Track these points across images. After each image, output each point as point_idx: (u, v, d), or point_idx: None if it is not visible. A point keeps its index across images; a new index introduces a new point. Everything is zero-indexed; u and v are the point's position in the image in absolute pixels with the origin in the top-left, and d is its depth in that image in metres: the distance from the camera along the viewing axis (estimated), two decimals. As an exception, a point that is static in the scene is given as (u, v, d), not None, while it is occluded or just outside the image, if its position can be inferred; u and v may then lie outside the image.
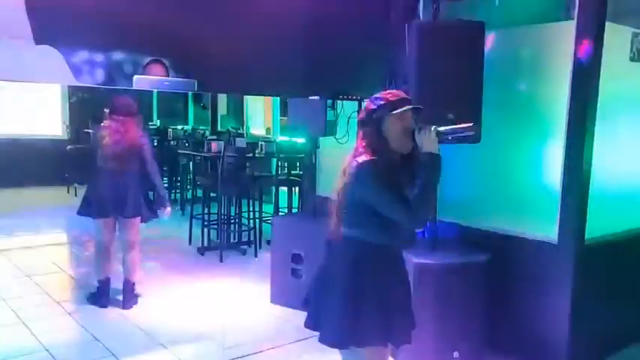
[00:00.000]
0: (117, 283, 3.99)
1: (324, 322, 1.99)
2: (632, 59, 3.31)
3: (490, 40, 3.04)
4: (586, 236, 3.02)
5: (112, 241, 3.92)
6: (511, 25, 3.35)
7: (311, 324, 2.06)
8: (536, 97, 3.20)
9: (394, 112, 1.90)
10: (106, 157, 3.73)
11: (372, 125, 1.93)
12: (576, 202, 2.96)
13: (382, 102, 1.93)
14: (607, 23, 2.91)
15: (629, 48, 3.28)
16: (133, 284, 3.97)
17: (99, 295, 3.89)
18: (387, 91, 1.98)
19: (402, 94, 1.96)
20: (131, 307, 3.89)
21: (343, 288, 1.93)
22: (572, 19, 2.94)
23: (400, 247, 2.04)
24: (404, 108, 1.91)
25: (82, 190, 8.01)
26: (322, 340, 1.98)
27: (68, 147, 8.12)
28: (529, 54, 3.24)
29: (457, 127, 1.95)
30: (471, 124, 1.94)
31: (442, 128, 1.90)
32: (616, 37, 3.11)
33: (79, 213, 3.87)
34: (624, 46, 3.26)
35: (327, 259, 2.06)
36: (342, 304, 1.93)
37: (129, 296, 3.91)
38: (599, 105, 2.95)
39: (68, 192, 8.18)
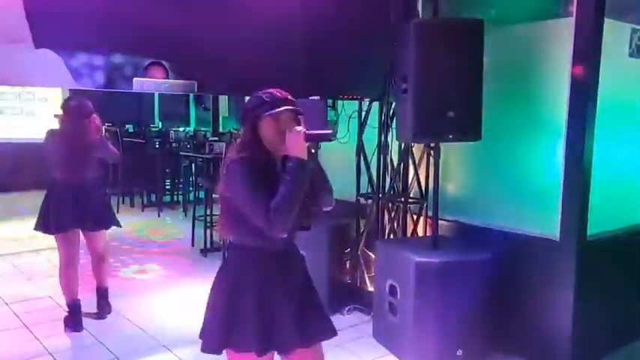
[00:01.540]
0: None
1: (205, 330, 1.92)
2: (631, 55, 3.31)
3: (489, 37, 3.03)
4: (588, 233, 3.01)
5: (75, 256, 3.53)
6: (510, 22, 3.34)
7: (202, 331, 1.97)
8: (536, 95, 3.19)
9: (270, 112, 1.78)
10: (60, 166, 3.41)
11: (248, 123, 1.82)
12: (577, 199, 2.95)
13: (260, 100, 1.81)
14: (606, 20, 2.90)
15: (628, 44, 3.27)
16: (106, 290, 3.77)
17: (70, 319, 3.52)
18: (269, 90, 1.85)
19: (285, 95, 1.83)
20: (105, 317, 3.69)
21: (221, 294, 1.87)
22: (571, 15, 2.93)
23: (281, 250, 1.89)
24: (280, 109, 1.78)
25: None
26: (202, 348, 1.91)
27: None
28: (528, 51, 3.23)
29: (316, 132, 1.80)
30: (330, 131, 1.87)
31: (308, 132, 1.76)
32: (615, 33, 3.11)
33: (35, 228, 3.48)
34: (623, 42, 3.26)
35: (220, 267, 1.99)
36: (217, 308, 1.87)
37: (103, 305, 3.72)
38: (598, 101, 2.95)
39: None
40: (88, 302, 3.72)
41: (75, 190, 3.42)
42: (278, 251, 1.89)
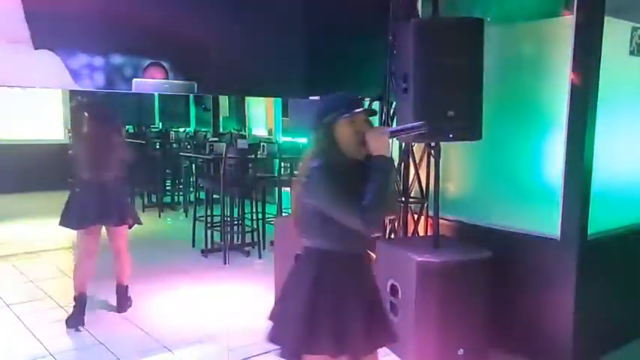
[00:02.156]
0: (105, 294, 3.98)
1: (284, 336, 1.92)
2: (631, 53, 3.30)
3: (489, 36, 3.03)
4: (588, 232, 3.01)
5: (93, 252, 3.66)
6: (510, 21, 3.34)
7: (273, 337, 1.98)
8: (537, 93, 3.19)
9: (345, 115, 1.82)
10: (85, 165, 3.61)
11: (322, 130, 1.86)
12: (578, 198, 2.95)
13: (333, 105, 1.86)
14: (606, 18, 2.90)
15: (629, 42, 3.27)
16: (127, 287, 3.92)
17: (73, 314, 3.59)
18: (338, 93, 1.90)
19: (354, 96, 1.89)
20: (126, 310, 3.86)
21: (302, 299, 1.87)
22: (571, 14, 2.93)
23: (359, 253, 1.96)
24: (357, 111, 1.83)
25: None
26: (281, 354, 1.91)
27: (70, 151, 8.12)
28: (528, 50, 3.23)
29: (406, 126, 1.88)
30: (422, 122, 1.87)
31: (394, 129, 1.83)
32: (615, 31, 3.10)
33: (60, 224, 3.65)
34: (624, 40, 3.25)
35: (291, 273, 2.00)
36: (299, 314, 1.86)
37: (123, 300, 3.88)
38: (599, 100, 2.94)
39: (72, 196, 8.18)
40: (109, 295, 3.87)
41: (98, 188, 3.58)
42: (356, 254, 1.93)
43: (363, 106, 1.88)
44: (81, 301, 3.62)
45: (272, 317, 2.02)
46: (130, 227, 3.86)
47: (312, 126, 1.92)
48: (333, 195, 1.78)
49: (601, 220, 3.11)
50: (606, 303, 3.18)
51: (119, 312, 3.84)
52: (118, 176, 3.70)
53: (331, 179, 1.78)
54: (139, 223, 3.93)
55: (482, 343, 3.08)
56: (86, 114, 3.68)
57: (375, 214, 1.76)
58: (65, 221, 3.64)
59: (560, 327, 3.03)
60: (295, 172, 6.18)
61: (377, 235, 1.82)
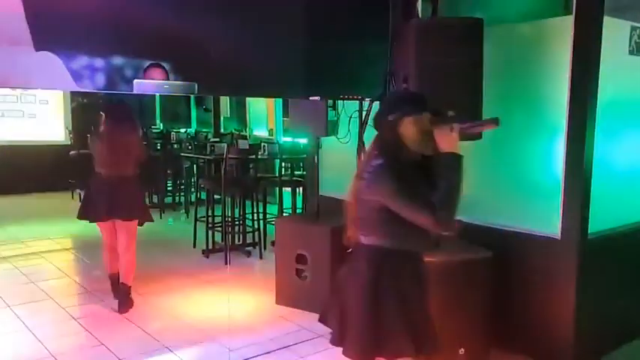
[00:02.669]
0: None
1: (347, 335, 1.90)
2: (631, 53, 3.30)
3: (489, 36, 3.03)
4: (589, 231, 3.01)
5: (114, 240, 3.95)
6: (509, 21, 3.34)
7: (336, 340, 1.96)
8: (537, 93, 3.19)
9: (412, 114, 1.83)
10: (101, 162, 3.81)
11: (387, 127, 1.86)
12: (578, 197, 2.95)
13: (398, 103, 1.87)
14: (605, 17, 2.90)
15: (628, 42, 3.27)
16: (129, 288, 3.95)
17: (112, 290, 4.01)
18: (401, 91, 1.92)
19: (419, 93, 1.89)
20: (127, 310, 3.87)
21: (365, 298, 1.85)
22: (571, 13, 2.93)
23: (421, 252, 1.96)
24: (423, 109, 1.84)
25: (86, 196, 8.12)
26: (346, 353, 1.89)
27: (71, 152, 8.15)
28: (528, 50, 3.23)
29: (478, 122, 1.87)
30: (496, 118, 1.84)
31: (465, 125, 1.80)
32: (615, 31, 3.11)
33: (78, 217, 3.95)
34: (623, 39, 3.26)
35: (347, 271, 1.98)
36: (364, 314, 1.85)
37: (124, 299, 3.90)
38: (599, 99, 2.94)
39: (72, 198, 8.21)
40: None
41: (112, 184, 3.79)
42: (417, 252, 1.93)
43: (426, 103, 1.87)
44: (113, 279, 3.98)
45: (330, 320, 2.00)
46: (140, 224, 4.00)
47: (376, 123, 1.92)
48: (403, 193, 1.77)
49: (601, 219, 3.10)
50: (607, 302, 3.18)
51: (120, 312, 3.86)
52: (133, 173, 3.89)
53: (399, 177, 1.78)
54: (150, 220, 4.08)
55: (484, 343, 3.08)
56: (103, 113, 3.86)
57: (448, 212, 1.75)
58: (82, 215, 3.91)
59: (561, 326, 3.03)
60: (296, 173, 6.22)
61: (448, 233, 1.80)
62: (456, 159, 1.79)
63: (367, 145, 1.97)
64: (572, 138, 2.95)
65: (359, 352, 1.87)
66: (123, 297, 3.91)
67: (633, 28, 3.28)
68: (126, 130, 3.86)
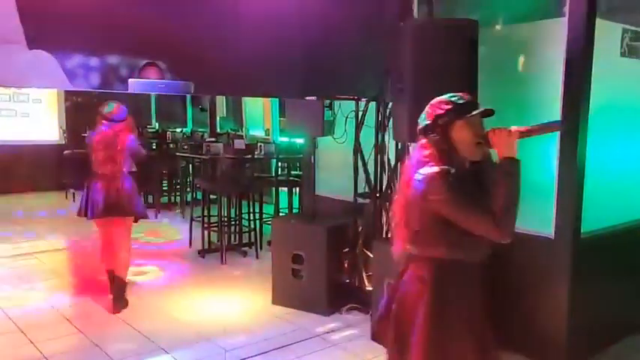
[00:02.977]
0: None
1: (412, 352, 1.80)
2: (622, 55, 3.32)
3: (484, 37, 3.04)
4: (582, 230, 3.03)
5: (111, 241, 4.01)
6: (504, 22, 3.35)
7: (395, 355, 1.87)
8: (531, 94, 3.21)
9: (464, 116, 1.75)
10: (98, 160, 3.88)
11: (438, 132, 1.76)
12: (572, 197, 2.97)
13: (449, 106, 1.77)
14: (597, 20, 2.92)
15: (620, 44, 3.29)
16: (125, 284, 4.01)
17: (110, 287, 4.03)
18: (453, 94, 1.81)
19: (469, 97, 1.81)
20: (119, 310, 3.87)
21: (427, 313, 1.77)
22: (564, 16, 2.95)
23: (477, 261, 1.86)
24: (474, 112, 1.75)
25: (79, 196, 8.08)
26: None
27: (65, 152, 8.12)
28: (523, 51, 3.25)
29: (540, 126, 1.76)
30: (559, 120, 1.79)
31: (523, 129, 1.73)
32: (607, 33, 3.13)
33: (78, 214, 4.04)
34: (615, 42, 3.28)
35: (403, 286, 1.88)
36: (429, 332, 1.77)
37: (118, 296, 3.93)
38: (591, 100, 2.96)
39: (66, 197, 8.18)
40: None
41: (108, 183, 3.88)
42: (478, 262, 1.85)
43: (478, 106, 1.79)
44: (109, 276, 3.99)
45: (385, 338, 1.91)
46: (135, 221, 4.10)
47: (424, 129, 1.81)
48: (462, 202, 1.70)
49: (595, 219, 3.12)
50: (600, 300, 3.19)
51: (113, 312, 3.85)
52: (129, 172, 3.99)
53: (456, 184, 1.70)
54: (145, 217, 4.19)
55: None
56: (99, 114, 3.94)
57: (509, 219, 1.68)
58: (81, 212, 3.99)
59: (554, 324, 3.04)
60: (293, 173, 6.23)
61: (507, 242, 1.72)
62: (514, 164, 1.72)
63: (412, 151, 1.88)
64: (566, 139, 2.97)
65: None
66: (117, 292, 3.94)
67: (625, 31, 3.31)
68: (122, 130, 3.92)
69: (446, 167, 1.72)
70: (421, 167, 1.76)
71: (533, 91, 3.19)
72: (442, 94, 2.94)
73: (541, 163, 3.18)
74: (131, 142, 3.96)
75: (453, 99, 1.79)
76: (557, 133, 2.99)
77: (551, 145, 3.06)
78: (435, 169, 1.73)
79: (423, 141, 1.82)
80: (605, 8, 2.99)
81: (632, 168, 3.59)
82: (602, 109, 3.08)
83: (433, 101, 1.83)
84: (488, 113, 1.79)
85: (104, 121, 3.90)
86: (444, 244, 1.78)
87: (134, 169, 4.06)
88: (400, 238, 1.86)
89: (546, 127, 1.80)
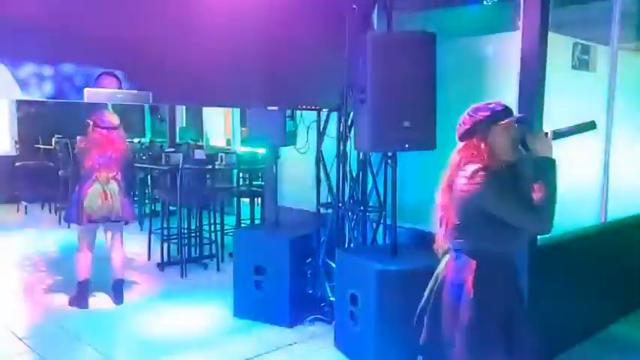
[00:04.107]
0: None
1: (452, 346, 1.96)
2: (574, 67, 3.48)
3: (442, 50, 3.12)
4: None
5: (90, 245, 4.13)
6: (461, 35, 3.45)
7: (433, 347, 2.06)
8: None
9: (501, 122, 1.94)
10: (94, 166, 4.03)
11: (478, 136, 1.96)
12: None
13: (487, 113, 1.97)
14: (550, 33, 3.05)
15: (571, 57, 3.44)
16: (123, 282, 4.28)
17: (79, 297, 4.10)
18: (490, 102, 2.02)
19: (504, 104, 2.00)
20: (119, 303, 4.19)
21: (468, 309, 1.92)
22: (518, 29, 3.06)
23: (516, 253, 2.05)
24: (510, 118, 1.95)
25: (32, 208, 7.77)
26: None
27: (17, 163, 7.79)
28: (479, 63, 3.35)
29: (574, 127, 1.97)
30: (592, 122, 1.97)
31: (559, 130, 1.92)
32: (559, 46, 3.26)
33: (68, 220, 4.29)
34: (566, 55, 3.43)
35: (442, 276, 2.08)
36: (469, 326, 1.91)
37: (120, 294, 4.21)
38: (545, 111, 3.08)
39: (18, 210, 7.84)
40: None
41: (104, 187, 4.05)
42: (515, 257, 2.02)
43: (512, 113, 1.99)
44: (83, 287, 4.10)
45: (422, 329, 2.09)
46: (126, 223, 4.32)
47: (465, 134, 2.02)
48: (506, 197, 1.89)
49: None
50: (557, 306, 3.30)
51: (116, 304, 4.17)
52: (121, 176, 4.19)
53: (498, 181, 1.88)
54: (136, 220, 4.53)
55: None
56: (91, 120, 4.11)
57: (551, 213, 1.86)
58: (70, 217, 4.16)
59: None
60: (254, 183, 6.16)
61: (548, 233, 1.97)
62: (551, 163, 1.90)
63: (454, 154, 2.06)
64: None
65: None
66: (118, 291, 4.21)
67: (575, 44, 3.46)
68: (116, 137, 4.15)
69: (487, 165, 1.91)
70: (463, 167, 1.95)
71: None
72: (402, 104, 3.03)
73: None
74: (125, 148, 4.25)
75: (490, 106, 2.00)
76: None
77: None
78: (478, 165, 1.91)
79: (462, 144, 2.03)
80: (557, 22, 3.12)
81: (583, 176, 3.75)
82: (555, 119, 3.19)
83: (471, 108, 2.03)
84: (523, 120, 2.02)
85: (99, 129, 4.07)
86: (487, 237, 1.95)
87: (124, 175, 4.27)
88: (443, 233, 2.06)
89: (580, 127, 1.99)
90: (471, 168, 1.92)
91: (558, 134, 1.93)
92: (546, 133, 1.92)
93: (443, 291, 2.06)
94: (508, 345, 1.93)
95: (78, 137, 4.38)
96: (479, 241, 1.97)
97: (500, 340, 1.92)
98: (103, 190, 4.04)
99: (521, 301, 2.06)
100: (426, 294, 2.15)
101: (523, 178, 1.94)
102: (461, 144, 2.04)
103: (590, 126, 1.98)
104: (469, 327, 1.91)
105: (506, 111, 1.99)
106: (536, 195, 1.87)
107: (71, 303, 4.11)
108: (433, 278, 2.15)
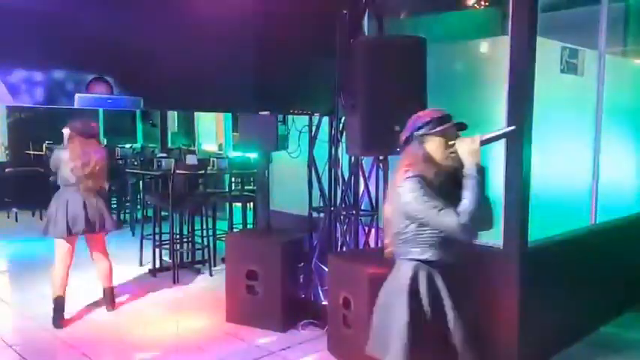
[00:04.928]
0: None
1: (390, 346, 1.99)
2: (562, 71, 3.52)
3: (432, 54, 3.15)
4: (529, 239, 3.15)
5: (67, 257, 3.96)
6: (451, 40, 3.48)
7: (376, 349, 2.08)
8: (477, 108, 3.32)
9: (437, 128, 1.95)
10: (75, 176, 3.87)
11: (416, 143, 1.98)
12: (518, 208, 3.08)
13: (426, 119, 1.99)
14: (539, 38, 3.08)
15: (559, 61, 3.48)
16: (113, 290, 4.22)
17: (54, 315, 3.89)
18: (429, 109, 2.06)
19: (444, 111, 2.02)
20: (113, 309, 4.17)
21: (402, 310, 1.96)
22: (507, 34, 3.10)
23: (453, 261, 2.03)
24: (447, 125, 1.96)
25: (23, 215, 7.70)
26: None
27: (7, 170, 7.73)
28: (468, 67, 3.38)
29: (499, 132, 2.00)
30: (513, 128, 2.04)
31: (485, 137, 1.94)
32: (547, 50, 3.30)
33: (46, 234, 3.94)
34: (555, 59, 3.47)
35: (387, 281, 2.10)
36: (402, 327, 1.95)
37: (112, 300, 4.20)
38: (535, 115, 3.11)
39: (8, 217, 7.77)
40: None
41: (85, 198, 3.92)
42: (453, 262, 2.01)
43: (452, 120, 1.99)
44: (58, 304, 3.90)
45: (371, 329, 2.11)
46: (106, 232, 4.17)
47: (406, 140, 2.03)
48: (433, 204, 1.89)
49: (540, 228, 3.25)
50: (548, 308, 3.32)
51: (110, 310, 4.15)
52: (102, 186, 4.06)
53: (429, 189, 1.91)
54: (119, 227, 4.42)
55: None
56: (69, 129, 3.95)
57: (472, 220, 1.86)
58: (50, 230, 3.91)
59: (505, 333, 3.13)
60: (246, 188, 6.16)
61: (474, 242, 1.97)
62: (478, 169, 1.90)
63: (400, 159, 2.07)
64: (511, 151, 3.09)
65: None
66: (109, 298, 4.18)
67: (563, 48, 3.50)
68: (96, 145, 4.03)
69: (419, 173, 1.93)
70: (402, 174, 1.96)
71: (479, 106, 3.32)
72: (392, 108, 3.05)
73: (488, 174, 3.29)
74: (106, 156, 4.08)
75: (429, 113, 2.03)
76: (503, 145, 3.11)
77: (498, 157, 3.18)
78: (410, 174, 1.94)
79: (405, 151, 2.04)
80: (545, 27, 3.15)
81: (573, 178, 3.78)
82: (545, 122, 3.23)
83: (414, 115, 2.04)
84: (461, 126, 2.01)
85: (78, 137, 3.91)
86: (418, 244, 1.98)
87: (106, 184, 4.15)
88: (389, 240, 2.08)
89: (503, 135, 2.04)
90: (404, 175, 1.95)
91: (485, 141, 1.94)
92: (473, 139, 1.93)
93: (380, 293, 2.11)
94: (443, 347, 1.98)
95: (55, 148, 4.21)
96: (414, 248, 1.98)
97: (436, 342, 1.97)
98: (82, 201, 3.89)
99: (459, 307, 2.04)
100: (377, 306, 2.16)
101: (460, 185, 1.93)
102: (404, 150, 2.05)
103: (512, 132, 2.07)
104: (403, 328, 1.95)
105: (445, 117, 1.99)
106: (464, 201, 1.88)
107: (53, 322, 3.87)
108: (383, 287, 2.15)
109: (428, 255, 1.98)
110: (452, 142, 1.96)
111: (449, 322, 2.00)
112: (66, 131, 3.98)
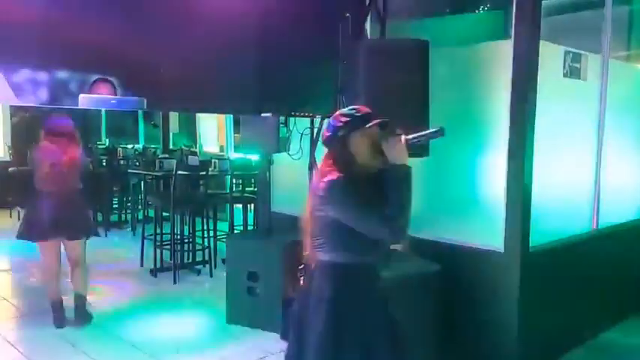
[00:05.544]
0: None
1: (307, 353, 1.89)
2: (565, 75, 3.52)
3: (435, 57, 3.15)
4: (530, 244, 3.14)
5: (56, 262, 3.85)
6: (455, 43, 3.49)
7: (292, 355, 1.98)
8: (480, 112, 3.33)
9: (359, 128, 1.85)
10: (45, 179, 3.70)
11: (337, 144, 1.87)
12: (519, 212, 3.08)
13: (346, 119, 1.87)
14: (542, 42, 3.08)
15: (562, 65, 3.48)
16: (85, 299, 3.94)
17: (54, 316, 3.84)
18: (351, 108, 1.92)
19: (366, 110, 1.90)
20: (83, 324, 3.84)
21: (323, 317, 1.85)
22: (510, 37, 3.10)
23: (376, 265, 1.96)
24: (371, 123, 1.85)
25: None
26: None
27: (10, 169, 7.75)
28: (471, 71, 3.38)
29: (424, 133, 1.91)
30: (439, 128, 1.91)
31: (410, 137, 1.86)
32: (550, 54, 3.30)
33: (19, 237, 3.79)
34: (558, 63, 3.47)
35: (306, 287, 1.98)
36: (322, 333, 1.85)
37: (81, 312, 3.89)
38: (537, 119, 3.11)
39: (10, 216, 7.79)
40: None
41: (57, 201, 3.71)
42: (377, 266, 1.94)
43: (375, 118, 1.88)
44: (55, 306, 3.83)
45: (287, 333, 2.02)
46: (87, 237, 3.96)
47: (326, 141, 1.92)
48: (357, 206, 1.80)
49: (542, 232, 3.25)
50: (549, 312, 3.31)
51: (76, 325, 3.83)
52: (78, 188, 3.84)
53: (352, 191, 1.80)
54: (97, 235, 4.09)
55: (430, 355, 3.14)
56: (44, 129, 3.78)
57: (400, 222, 1.79)
58: (24, 234, 3.76)
59: (506, 337, 3.13)
60: (247, 189, 6.16)
61: (401, 244, 1.87)
62: (404, 169, 1.83)
63: (319, 163, 1.97)
64: (513, 155, 3.09)
65: None
66: (80, 309, 3.89)
67: (566, 52, 3.50)
68: (68, 144, 3.78)
69: (341, 175, 1.82)
70: (324, 176, 1.85)
71: (482, 110, 3.32)
72: (395, 112, 3.05)
73: (490, 179, 3.30)
74: (79, 156, 3.83)
75: (350, 112, 1.90)
76: (505, 149, 3.12)
77: (500, 161, 3.18)
78: (331, 177, 1.82)
79: (326, 153, 1.93)
80: (549, 31, 3.15)
81: (575, 183, 3.78)
82: (547, 127, 3.23)
83: (334, 115, 1.94)
84: (384, 125, 1.88)
85: (49, 136, 3.74)
86: (344, 248, 1.87)
87: (80, 185, 3.88)
88: (308, 243, 1.95)
89: (428, 135, 1.94)
90: (328, 177, 1.83)
91: (412, 140, 1.85)
92: (399, 139, 1.84)
93: (307, 305, 1.95)
94: (365, 356, 1.86)
95: (32, 146, 3.97)
96: (336, 252, 1.87)
97: (355, 351, 1.85)
98: (57, 204, 3.67)
99: (385, 314, 1.95)
100: (294, 312, 2.06)
101: (385, 186, 1.84)
102: (326, 152, 1.94)
103: (439, 132, 1.92)
104: (323, 335, 1.85)
105: (367, 116, 1.87)
106: (390, 203, 1.79)
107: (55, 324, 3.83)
108: (301, 294, 2.07)
109: (351, 258, 1.87)
110: (376, 142, 1.85)
111: (373, 327, 1.89)
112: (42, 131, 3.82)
